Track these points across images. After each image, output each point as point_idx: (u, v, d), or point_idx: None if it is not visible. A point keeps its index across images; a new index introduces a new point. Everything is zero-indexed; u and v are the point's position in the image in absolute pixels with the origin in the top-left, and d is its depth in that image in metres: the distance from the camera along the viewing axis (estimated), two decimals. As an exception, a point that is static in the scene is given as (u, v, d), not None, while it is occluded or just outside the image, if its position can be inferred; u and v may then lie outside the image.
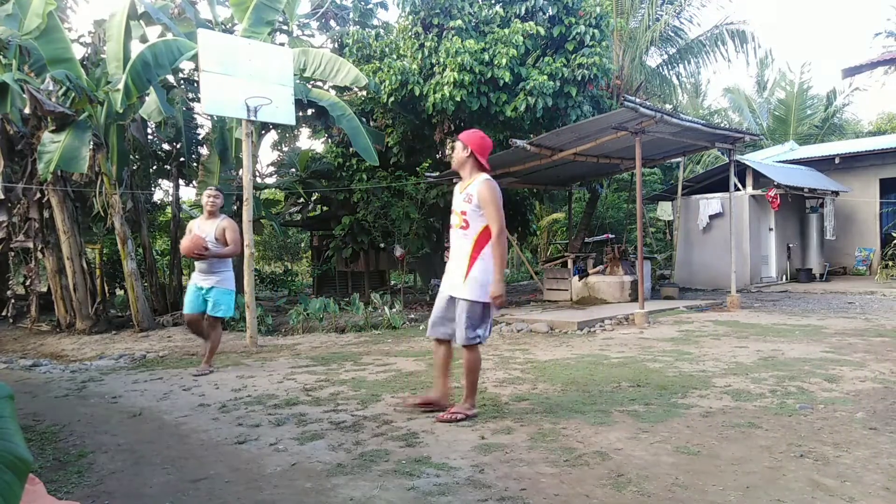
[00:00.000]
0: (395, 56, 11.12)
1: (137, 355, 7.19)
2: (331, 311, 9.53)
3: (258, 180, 13.80)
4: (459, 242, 3.82)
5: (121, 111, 9.16)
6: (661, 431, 3.40)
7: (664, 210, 15.88)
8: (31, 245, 9.90)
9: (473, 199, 3.73)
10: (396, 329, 8.94)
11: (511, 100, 10.33)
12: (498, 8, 10.93)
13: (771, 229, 14.21)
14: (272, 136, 16.51)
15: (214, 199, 5.76)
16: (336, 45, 14.09)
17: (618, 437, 3.33)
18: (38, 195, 9.78)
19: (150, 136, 12.58)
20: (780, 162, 15.94)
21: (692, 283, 13.87)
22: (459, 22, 10.40)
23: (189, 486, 2.85)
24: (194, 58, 8.79)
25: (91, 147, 9.03)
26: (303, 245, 22.91)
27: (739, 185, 13.20)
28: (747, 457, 2.98)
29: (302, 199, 15.58)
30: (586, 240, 14.09)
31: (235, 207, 10.40)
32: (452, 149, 14.63)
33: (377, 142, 11.36)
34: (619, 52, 14.68)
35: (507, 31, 10.12)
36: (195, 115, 12.08)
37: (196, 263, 5.67)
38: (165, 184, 14.99)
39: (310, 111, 11.90)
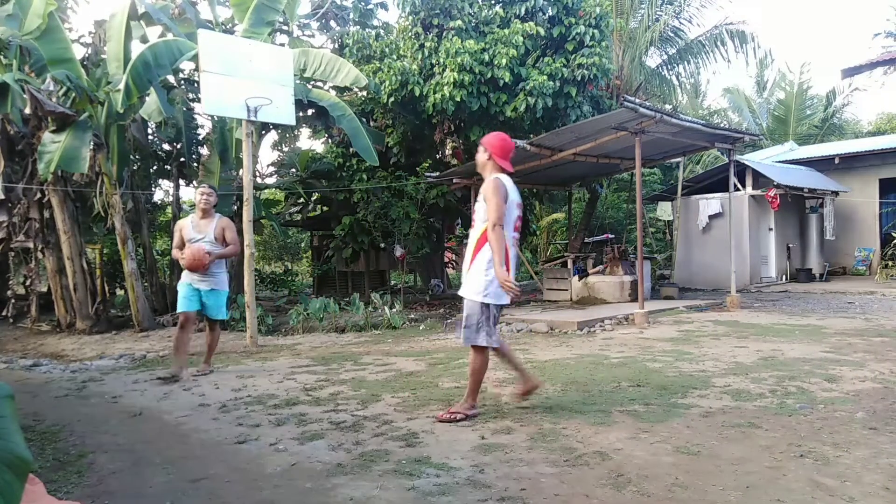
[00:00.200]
0: (395, 56, 11.12)
1: (138, 355, 7.20)
2: (331, 311, 9.53)
3: (258, 180, 13.80)
4: (469, 241, 3.87)
5: (121, 111, 9.17)
6: (661, 431, 3.40)
7: (664, 210, 15.88)
8: (31, 245, 9.90)
9: (481, 197, 3.75)
10: (396, 329, 8.94)
11: (511, 100, 10.33)
12: (498, 8, 10.93)
13: (771, 229, 14.21)
14: (272, 136, 16.50)
15: (208, 197, 5.48)
16: (336, 46, 14.09)
17: (618, 437, 3.33)
18: (39, 195, 9.78)
19: (150, 137, 12.58)
20: (779, 162, 15.94)
21: (692, 283, 13.87)
22: (459, 22, 10.40)
23: (189, 486, 2.85)
24: (195, 58, 8.79)
25: (91, 147, 9.04)
26: (303, 245, 22.91)
27: (739, 186, 13.21)
28: (747, 457, 2.98)
29: (302, 200, 15.58)
30: (586, 240, 14.09)
31: (235, 207, 10.40)
32: (453, 149, 14.71)
33: (377, 142, 11.37)
34: (619, 53, 14.68)
35: (506, 31, 10.13)
36: (195, 116, 12.09)
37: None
38: (166, 184, 15.02)
39: (310, 111, 11.91)
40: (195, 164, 11.56)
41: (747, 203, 13.42)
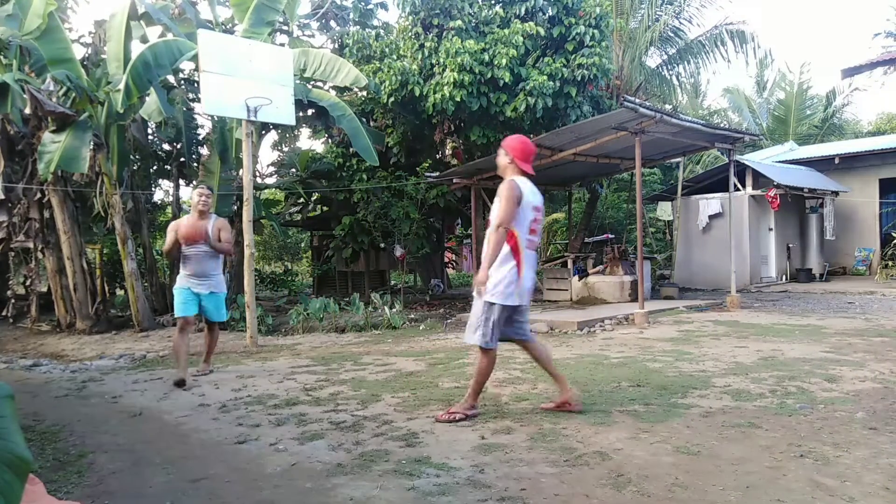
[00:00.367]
0: (395, 56, 11.12)
1: (137, 355, 7.20)
2: (331, 311, 9.53)
3: (258, 180, 13.80)
4: (485, 242, 3.85)
5: (121, 111, 9.17)
6: (661, 431, 3.40)
7: (664, 210, 15.88)
8: (31, 245, 9.90)
9: (497, 198, 3.74)
10: (396, 329, 8.94)
11: (511, 100, 10.33)
12: (498, 8, 10.93)
13: (771, 229, 14.21)
14: (272, 136, 16.50)
15: (207, 198, 5.42)
16: (336, 46, 14.09)
17: (618, 437, 3.33)
18: (39, 195, 9.78)
19: (150, 137, 12.58)
20: (779, 162, 15.94)
21: (692, 283, 13.86)
22: (459, 22, 10.40)
23: (189, 486, 2.85)
24: (195, 58, 8.79)
25: (91, 147, 9.04)
26: (303, 245, 22.91)
27: (739, 186, 13.20)
28: (747, 457, 2.98)
29: (302, 200, 15.59)
30: (586, 240, 14.09)
31: (235, 207, 10.40)
32: (453, 149, 14.68)
33: (377, 142, 11.37)
34: (619, 53, 14.67)
35: (506, 31, 10.12)
36: (195, 116, 12.09)
37: (190, 267, 5.32)
38: (166, 184, 15.02)
39: (310, 111, 11.91)
40: (195, 164, 11.56)
41: (747, 203, 13.42)
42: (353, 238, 12.78)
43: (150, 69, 8.53)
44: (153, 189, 14.19)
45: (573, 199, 15.50)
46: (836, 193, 14.60)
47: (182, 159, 11.77)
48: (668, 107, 16.38)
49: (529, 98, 10.04)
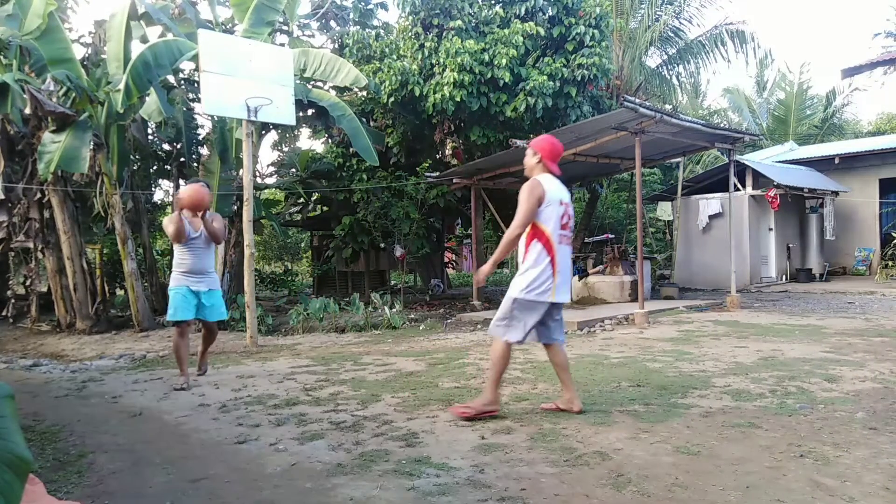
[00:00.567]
0: (395, 56, 11.12)
1: (138, 355, 7.19)
2: (331, 311, 9.53)
3: (258, 180, 13.80)
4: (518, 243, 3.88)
5: (121, 111, 9.17)
6: (661, 431, 3.40)
7: (664, 210, 15.89)
8: (31, 245, 9.90)
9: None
10: (396, 329, 8.93)
11: (511, 100, 10.33)
12: (498, 8, 10.93)
13: (771, 229, 14.21)
14: (272, 136, 16.50)
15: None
16: (336, 46, 14.08)
17: (618, 437, 3.33)
18: (39, 195, 9.78)
19: (150, 137, 12.58)
20: (779, 162, 15.94)
21: (692, 283, 13.86)
22: (459, 22, 10.40)
23: (189, 486, 2.85)
24: (195, 58, 8.79)
25: (91, 147, 9.04)
26: (303, 245, 22.91)
27: (739, 186, 13.20)
28: (747, 457, 2.98)
29: (302, 200, 15.58)
30: (586, 240, 14.09)
31: (235, 207, 10.40)
32: (453, 149, 14.66)
33: (377, 142, 11.36)
34: (619, 53, 14.67)
35: (506, 31, 10.13)
36: (195, 116, 12.08)
37: (188, 263, 5.16)
38: (166, 184, 15.03)
39: (310, 111, 11.90)
40: (195, 164, 11.55)
41: (747, 203, 13.42)
42: (353, 238, 12.78)
43: (150, 69, 8.52)
44: (153, 189, 14.20)
45: (573, 199, 15.49)
46: (836, 193, 14.60)
47: (182, 159, 11.76)
48: (668, 107, 16.38)
49: (529, 98, 10.04)
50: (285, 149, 17.62)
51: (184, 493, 2.76)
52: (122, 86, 8.62)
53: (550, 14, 10.83)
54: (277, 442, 3.44)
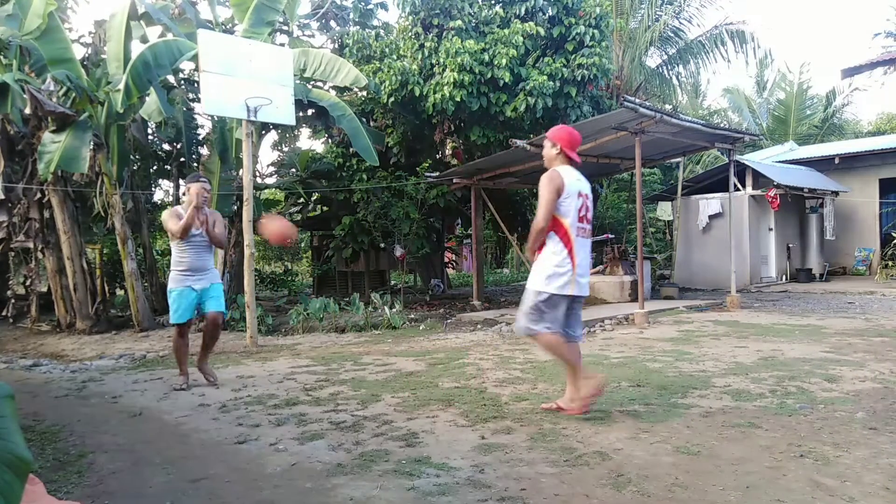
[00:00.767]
0: (395, 56, 11.12)
1: (138, 355, 7.19)
2: (331, 311, 9.52)
3: (258, 180, 13.79)
4: None
5: (121, 111, 9.17)
6: (661, 431, 3.41)
7: (664, 210, 15.89)
8: (31, 245, 9.90)
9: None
10: (396, 329, 8.93)
11: (511, 100, 10.33)
12: (498, 8, 10.93)
13: (771, 229, 14.21)
14: (272, 136, 16.50)
15: (208, 193, 5.11)
16: (336, 46, 14.08)
17: (618, 437, 3.33)
18: (39, 195, 9.78)
19: (150, 137, 12.58)
20: (779, 162, 15.94)
21: (692, 283, 13.87)
22: (459, 22, 10.40)
23: (189, 486, 2.85)
24: (195, 58, 8.79)
25: (91, 147, 9.03)
26: (303, 245, 22.89)
27: (739, 186, 13.20)
28: (747, 457, 2.98)
29: (302, 200, 15.58)
30: (586, 240, 14.06)
31: (235, 207, 10.40)
32: (453, 149, 14.65)
33: (377, 142, 11.36)
34: (619, 53, 14.69)
35: (506, 31, 10.13)
36: (195, 116, 12.08)
37: (188, 262, 5.01)
38: (166, 184, 15.03)
39: (310, 111, 11.90)
40: (195, 164, 11.55)
41: (747, 203, 13.42)
42: (353, 238, 12.78)
43: (150, 69, 8.52)
44: (153, 189, 14.19)
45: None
46: (836, 193, 14.60)
47: (182, 159, 11.76)
48: (668, 107, 16.39)
49: (529, 98, 10.04)
50: (285, 149, 17.62)
51: (184, 493, 2.76)
52: (122, 86, 8.62)
53: (550, 14, 10.83)
54: (277, 442, 3.44)
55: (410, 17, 11.07)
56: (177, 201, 12.59)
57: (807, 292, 12.14)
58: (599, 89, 11.64)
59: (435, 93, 10.12)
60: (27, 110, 9.40)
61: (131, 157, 11.07)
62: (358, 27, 13.77)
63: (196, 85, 11.18)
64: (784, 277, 14.42)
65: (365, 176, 12.20)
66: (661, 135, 8.99)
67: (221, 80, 7.16)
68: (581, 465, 2.93)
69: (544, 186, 3.64)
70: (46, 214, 9.88)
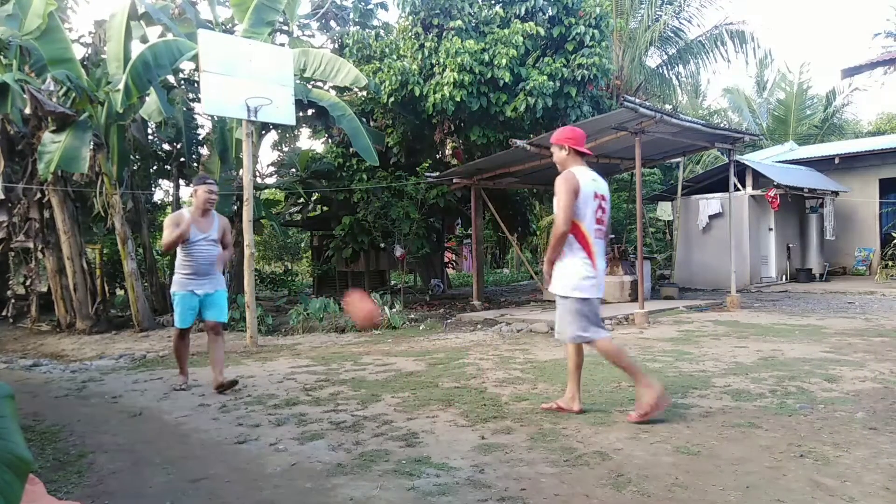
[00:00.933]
0: (395, 56, 11.12)
1: (138, 355, 7.19)
2: (331, 311, 9.52)
3: (258, 180, 13.80)
4: None
5: (121, 111, 9.17)
6: (661, 431, 3.40)
7: (664, 210, 15.88)
8: (31, 245, 9.90)
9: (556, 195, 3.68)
10: (396, 329, 8.93)
11: (511, 100, 10.33)
12: (498, 8, 10.94)
13: (771, 229, 14.21)
14: (272, 136, 16.50)
15: (215, 195, 5.00)
16: (336, 46, 14.09)
17: (618, 437, 3.33)
18: (39, 195, 9.78)
19: (150, 137, 12.58)
20: (779, 162, 15.94)
21: (692, 283, 13.86)
22: (459, 22, 10.40)
23: (189, 486, 2.85)
24: (195, 58, 8.79)
25: (91, 147, 9.04)
26: (303, 245, 22.90)
27: (739, 186, 13.20)
28: (747, 457, 2.98)
29: (302, 199, 15.59)
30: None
31: (235, 207, 10.40)
32: (453, 149, 14.63)
33: (377, 142, 11.36)
34: (619, 53, 14.69)
35: (506, 31, 10.13)
36: (195, 116, 12.09)
37: (192, 266, 4.89)
38: (166, 184, 15.03)
39: (310, 111, 11.91)
40: (195, 164, 11.56)
41: (747, 203, 13.41)
42: (353, 238, 12.78)
43: (150, 69, 8.53)
44: (153, 189, 14.19)
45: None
46: (836, 193, 14.60)
47: (182, 159, 11.77)
48: (668, 107, 16.39)
49: (529, 98, 10.05)
50: (285, 149, 17.62)
51: (184, 493, 2.76)
52: (122, 86, 8.62)
53: (550, 14, 10.83)
54: (277, 442, 3.44)
55: (410, 17, 11.08)
56: (176, 201, 12.59)
57: (807, 292, 12.14)
58: (599, 89, 11.64)
59: (435, 93, 10.12)
60: (27, 110, 9.40)
61: (131, 157, 11.07)
62: (358, 27, 13.78)
63: (196, 85, 11.18)
64: (784, 277, 14.42)
65: (365, 176, 12.20)
66: (661, 135, 8.99)
67: (221, 80, 7.16)
68: (581, 465, 2.93)
69: (561, 189, 3.59)
70: (46, 214, 9.89)
